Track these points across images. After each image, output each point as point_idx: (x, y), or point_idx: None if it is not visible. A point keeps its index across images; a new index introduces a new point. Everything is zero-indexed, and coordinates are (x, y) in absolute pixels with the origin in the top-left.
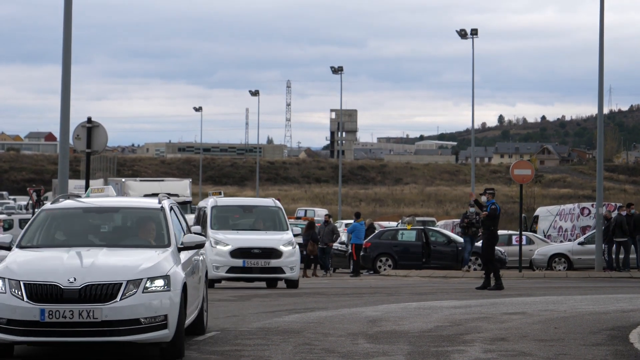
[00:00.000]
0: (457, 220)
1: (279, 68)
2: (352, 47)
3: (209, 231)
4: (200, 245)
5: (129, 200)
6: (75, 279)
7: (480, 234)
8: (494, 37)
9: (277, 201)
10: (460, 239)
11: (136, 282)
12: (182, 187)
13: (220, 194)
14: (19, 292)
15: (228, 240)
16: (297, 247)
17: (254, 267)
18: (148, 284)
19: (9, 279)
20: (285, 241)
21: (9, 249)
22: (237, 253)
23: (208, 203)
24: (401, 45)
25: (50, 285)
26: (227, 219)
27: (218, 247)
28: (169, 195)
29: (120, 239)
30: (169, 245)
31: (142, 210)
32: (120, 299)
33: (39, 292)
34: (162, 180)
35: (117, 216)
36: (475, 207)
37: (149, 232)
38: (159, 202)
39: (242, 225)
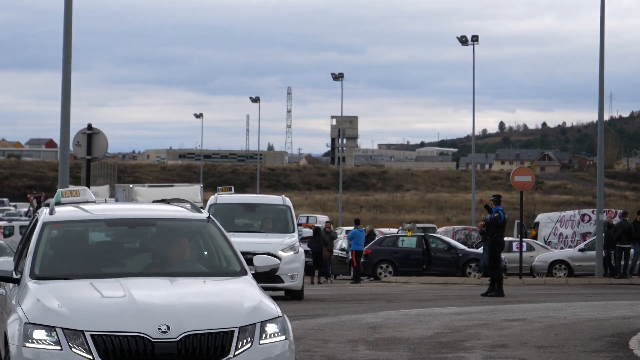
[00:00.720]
0: (458, 227)
1: (278, 75)
2: (352, 53)
3: None
4: (275, 270)
5: (162, 209)
6: (168, 328)
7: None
8: (493, 44)
9: (286, 199)
10: (461, 246)
11: (250, 330)
12: (193, 192)
13: (230, 189)
14: (85, 348)
15: None
16: (302, 252)
17: None
18: (264, 332)
19: (63, 328)
20: (285, 245)
21: (12, 280)
22: None
23: (208, 201)
24: (400, 51)
25: (133, 337)
26: (227, 218)
27: None
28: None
29: (172, 264)
30: (244, 272)
31: (188, 223)
32: (235, 356)
33: (117, 347)
34: (172, 186)
35: (154, 231)
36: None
37: (198, 252)
38: (198, 211)
39: (243, 227)
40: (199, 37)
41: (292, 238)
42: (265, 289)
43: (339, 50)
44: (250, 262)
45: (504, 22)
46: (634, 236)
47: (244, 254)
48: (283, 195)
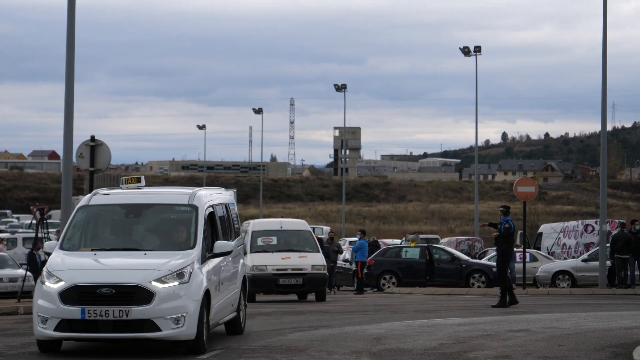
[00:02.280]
0: (462, 238)
1: (278, 86)
2: (352, 64)
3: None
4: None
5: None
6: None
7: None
8: (492, 54)
9: (199, 195)
10: (465, 256)
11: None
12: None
13: (139, 181)
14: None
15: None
16: (203, 280)
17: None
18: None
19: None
20: (166, 271)
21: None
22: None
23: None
24: (400, 62)
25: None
26: (98, 228)
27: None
28: None
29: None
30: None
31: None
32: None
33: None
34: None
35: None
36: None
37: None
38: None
39: (118, 242)
40: (198, 49)
41: (186, 258)
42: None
43: (339, 61)
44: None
45: (502, 33)
46: (633, 246)
47: (95, 286)
48: (195, 190)
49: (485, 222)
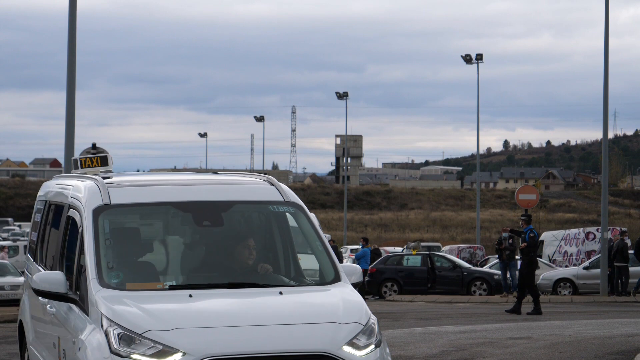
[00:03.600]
0: (463, 246)
1: (278, 93)
2: (351, 72)
3: None
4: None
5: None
6: None
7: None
8: (492, 62)
9: (282, 186)
10: (466, 264)
11: None
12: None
13: (103, 160)
14: None
15: None
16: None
17: None
18: None
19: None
20: (354, 331)
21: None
22: None
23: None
24: (400, 70)
25: None
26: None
27: None
28: None
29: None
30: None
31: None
32: None
33: None
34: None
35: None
36: (509, 233)
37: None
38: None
39: (198, 274)
40: (198, 56)
41: (351, 300)
42: None
43: (339, 69)
44: None
45: (501, 41)
46: (626, 255)
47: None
48: (267, 177)
49: (507, 228)
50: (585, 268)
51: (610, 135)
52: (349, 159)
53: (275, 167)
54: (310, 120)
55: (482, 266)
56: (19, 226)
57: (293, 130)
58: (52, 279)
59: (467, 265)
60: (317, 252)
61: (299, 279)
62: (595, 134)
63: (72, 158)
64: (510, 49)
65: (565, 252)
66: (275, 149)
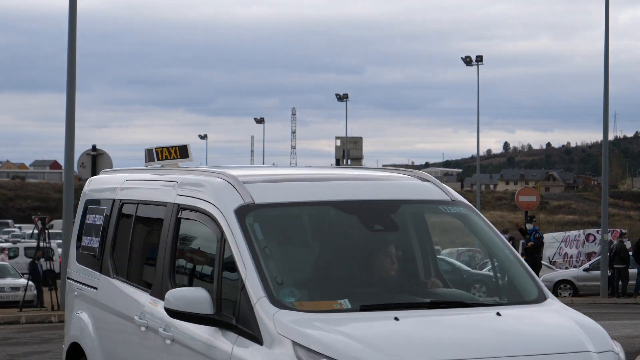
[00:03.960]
0: (462, 249)
1: (277, 96)
2: (351, 74)
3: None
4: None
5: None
6: None
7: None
8: (491, 64)
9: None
10: (466, 267)
11: None
12: None
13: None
14: None
15: None
16: None
17: None
18: None
19: None
20: None
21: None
22: None
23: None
24: (399, 72)
25: None
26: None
27: None
28: None
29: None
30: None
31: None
32: None
33: None
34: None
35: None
36: (509, 234)
37: None
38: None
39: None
40: (196, 59)
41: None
42: None
43: (338, 71)
44: None
45: (500, 43)
46: (625, 257)
47: None
48: (418, 172)
49: (519, 224)
50: (586, 270)
51: (611, 137)
52: (349, 161)
53: None
54: (310, 122)
55: (481, 269)
56: (19, 228)
57: (293, 132)
58: (193, 298)
59: (466, 268)
60: (508, 263)
61: (496, 294)
62: (596, 136)
63: (146, 149)
64: (509, 51)
65: (566, 254)
66: (275, 150)
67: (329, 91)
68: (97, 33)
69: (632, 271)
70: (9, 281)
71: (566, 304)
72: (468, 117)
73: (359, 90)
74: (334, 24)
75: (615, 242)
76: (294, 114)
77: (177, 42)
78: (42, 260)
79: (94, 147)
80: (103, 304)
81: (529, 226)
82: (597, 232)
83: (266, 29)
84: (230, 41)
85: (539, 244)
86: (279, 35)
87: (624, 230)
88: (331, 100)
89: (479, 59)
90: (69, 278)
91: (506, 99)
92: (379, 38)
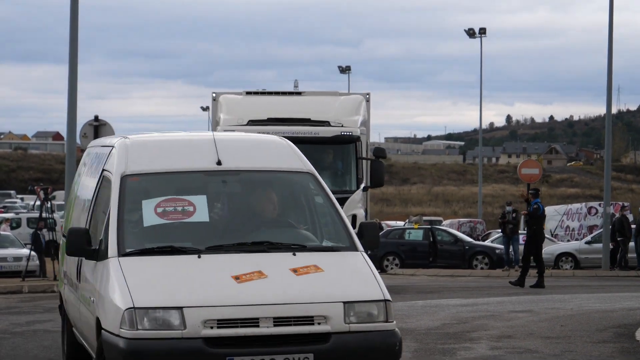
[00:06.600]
0: (463, 220)
1: (275, 68)
2: (348, 47)
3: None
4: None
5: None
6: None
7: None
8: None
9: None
10: (468, 238)
11: None
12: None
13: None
14: None
15: None
16: None
17: None
18: None
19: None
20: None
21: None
22: None
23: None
24: (396, 45)
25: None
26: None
27: None
28: None
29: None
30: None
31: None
32: None
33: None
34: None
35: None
36: (513, 207)
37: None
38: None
39: None
40: (195, 31)
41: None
42: None
43: (335, 44)
44: None
45: (499, 16)
46: (624, 230)
47: None
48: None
49: (525, 194)
50: (587, 243)
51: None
52: None
53: None
54: None
55: (484, 240)
56: (22, 199)
57: None
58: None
59: (468, 239)
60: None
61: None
62: (599, 109)
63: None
64: (508, 24)
65: (568, 226)
66: None
67: (326, 64)
68: (97, 4)
69: (631, 245)
70: (11, 251)
71: (568, 276)
72: (467, 90)
73: (356, 63)
74: None
75: (617, 214)
76: (296, 87)
77: (173, 14)
78: (44, 230)
79: (96, 118)
80: None
81: (531, 197)
82: (600, 205)
83: (263, 1)
84: (227, 13)
85: (535, 215)
86: (275, 8)
87: (626, 204)
88: (329, 73)
89: (482, 31)
90: None
91: (504, 72)
92: (375, 10)
